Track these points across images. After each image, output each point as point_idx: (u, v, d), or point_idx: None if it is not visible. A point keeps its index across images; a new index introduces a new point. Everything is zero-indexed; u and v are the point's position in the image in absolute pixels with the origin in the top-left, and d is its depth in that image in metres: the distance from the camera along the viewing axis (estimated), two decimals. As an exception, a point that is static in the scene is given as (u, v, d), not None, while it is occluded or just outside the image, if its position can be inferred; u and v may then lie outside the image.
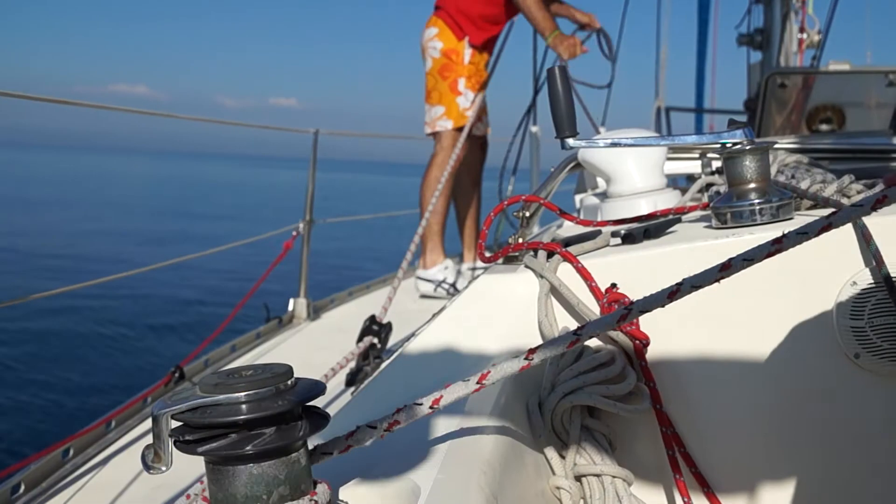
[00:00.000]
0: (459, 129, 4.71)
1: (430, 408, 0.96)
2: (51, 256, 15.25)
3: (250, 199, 37.92)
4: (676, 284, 0.89)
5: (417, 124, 5.10)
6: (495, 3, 4.81)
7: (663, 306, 0.90)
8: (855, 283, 1.44)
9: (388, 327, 3.07)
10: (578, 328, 0.93)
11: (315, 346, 3.90)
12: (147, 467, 0.82)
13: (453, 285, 4.80)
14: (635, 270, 1.50)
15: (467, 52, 4.80)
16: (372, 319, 3.07)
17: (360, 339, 3.01)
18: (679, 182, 4.06)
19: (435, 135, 4.90)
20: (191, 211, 28.71)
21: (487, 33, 4.88)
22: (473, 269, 4.99)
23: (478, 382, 0.95)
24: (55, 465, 2.57)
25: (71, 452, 2.65)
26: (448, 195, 4.89)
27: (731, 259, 0.89)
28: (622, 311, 0.93)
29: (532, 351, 0.95)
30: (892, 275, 1.43)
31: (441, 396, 0.96)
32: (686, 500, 1.37)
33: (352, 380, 2.86)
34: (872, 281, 1.44)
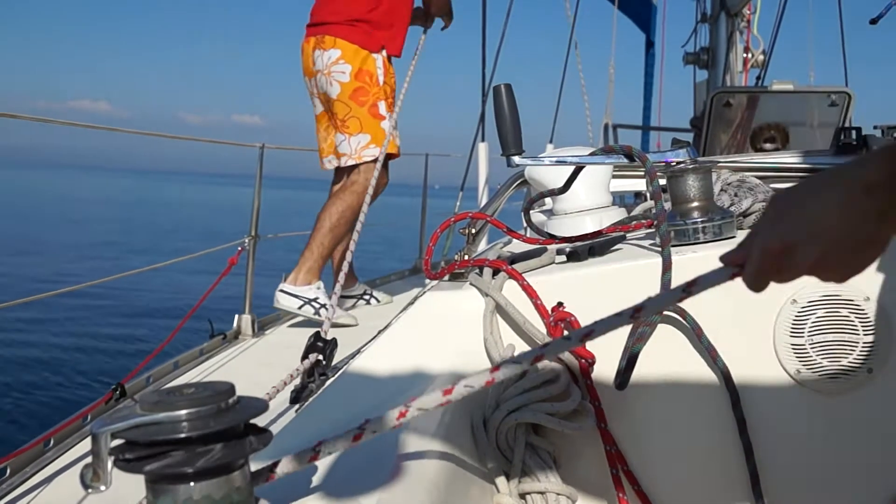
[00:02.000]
0: (387, 156, 4.32)
1: (372, 431, 0.94)
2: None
3: (200, 214, 37.48)
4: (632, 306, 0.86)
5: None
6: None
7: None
8: (795, 300, 1.46)
9: (333, 343, 3.03)
10: (542, 346, 0.89)
11: (260, 363, 3.85)
12: (85, 486, 0.81)
13: (323, 306, 4.49)
14: (580, 288, 1.51)
15: (380, 70, 4.43)
16: (317, 336, 3.03)
17: (305, 356, 2.97)
18: (627, 199, 4.10)
19: (357, 165, 4.49)
20: (138, 226, 28.30)
21: (400, 37, 4.49)
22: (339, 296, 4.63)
23: (405, 409, 0.92)
24: (-9, 485, 2.51)
25: (7, 472, 2.59)
26: (352, 226, 4.42)
27: (694, 279, 0.88)
28: (586, 330, 0.88)
29: (495, 368, 0.89)
30: (830, 292, 1.46)
31: (377, 423, 0.93)
32: (629, 516, 1.38)
33: (297, 397, 2.82)
34: (812, 299, 1.47)
